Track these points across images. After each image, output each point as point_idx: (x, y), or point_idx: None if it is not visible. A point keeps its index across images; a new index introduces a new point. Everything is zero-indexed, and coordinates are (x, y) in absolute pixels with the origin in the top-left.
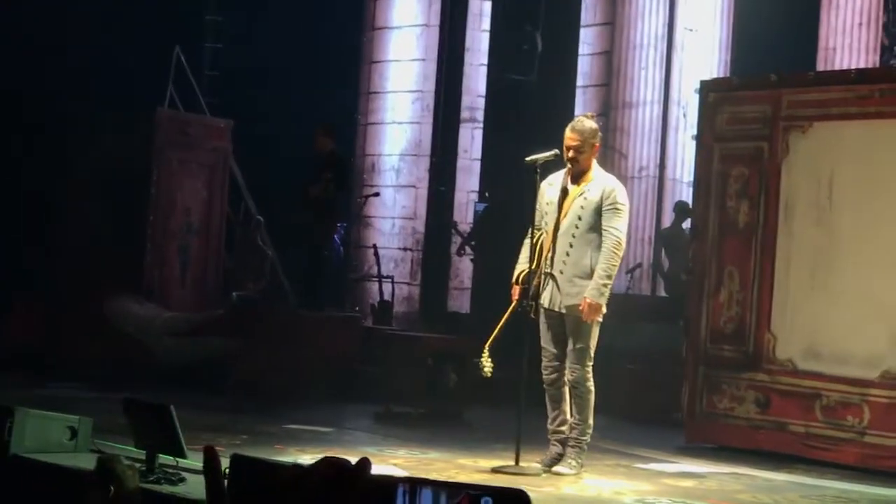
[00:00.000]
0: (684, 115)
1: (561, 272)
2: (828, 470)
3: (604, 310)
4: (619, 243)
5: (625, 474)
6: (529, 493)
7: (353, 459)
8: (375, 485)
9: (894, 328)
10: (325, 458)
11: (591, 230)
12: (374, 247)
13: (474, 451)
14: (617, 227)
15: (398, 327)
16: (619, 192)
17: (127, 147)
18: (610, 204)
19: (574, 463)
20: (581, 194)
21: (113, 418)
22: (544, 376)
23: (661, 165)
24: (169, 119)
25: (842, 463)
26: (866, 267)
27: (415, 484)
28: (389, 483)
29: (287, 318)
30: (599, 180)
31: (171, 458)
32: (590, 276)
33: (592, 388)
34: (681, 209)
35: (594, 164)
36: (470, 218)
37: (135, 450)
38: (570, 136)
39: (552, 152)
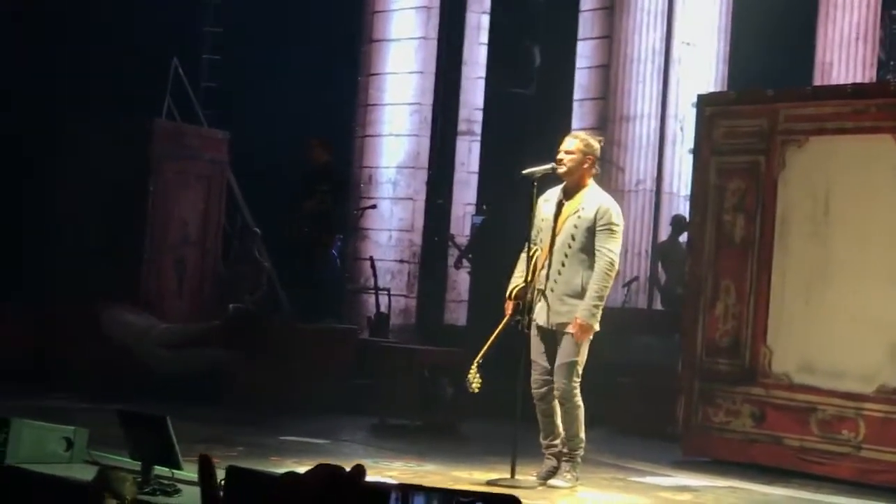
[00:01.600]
0: (681, 129)
1: (552, 290)
2: (823, 484)
3: (597, 328)
4: (612, 264)
5: (620, 488)
6: None
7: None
8: (370, 491)
9: (890, 342)
10: (321, 465)
11: (584, 250)
12: (371, 259)
13: (470, 463)
14: (610, 248)
15: (395, 339)
16: (614, 213)
17: (124, 158)
18: (604, 224)
19: (569, 476)
20: (575, 213)
21: (108, 429)
22: (533, 390)
23: (658, 179)
24: (166, 130)
25: (837, 477)
26: (862, 281)
27: (408, 490)
28: (383, 489)
29: (284, 330)
30: (595, 199)
31: (167, 469)
32: (580, 295)
33: (580, 404)
34: (677, 223)
35: (591, 182)
36: (467, 231)
37: (130, 461)
38: (566, 141)
39: (549, 165)
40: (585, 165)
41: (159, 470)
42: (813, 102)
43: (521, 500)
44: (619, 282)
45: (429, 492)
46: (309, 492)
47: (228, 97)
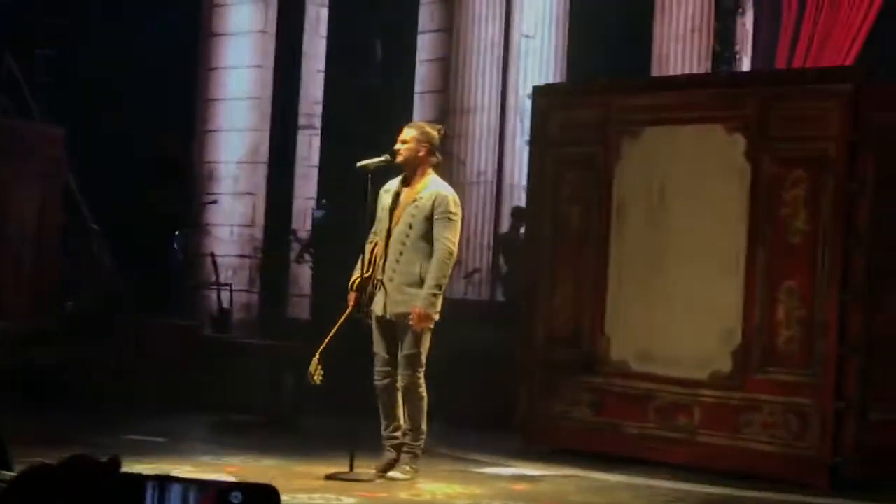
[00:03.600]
0: (521, 121)
1: (391, 280)
2: (661, 470)
3: (436, 317)
4: (451, 253)
5: (460, 479)
6: (364, 499)
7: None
8: (124, 482)
9: (722, 328)
10: (74, 455)
11: (422, 238)
12: (212, 254)
13: (310, 458)
14: (448, 237)
15: (237, 335)
16: (452, 201)
17: None
18: (441, 212)
19: (408, 468)
20: (413, 202)
21: None
22: (376, 382)
23: (499, 170)
24: (0, 127)
25: (675, 463)
26: (696, 269)
27: (164, 481)
28: (138, 480)
29: (125, 326)
30: (432, 188)
31: None
32: (419, 284)
33: (424, 395)
34: (518, 214)
35: (430, 172)
36: (309, 225)
37: None
38: (403, 131)
39: (383, 157)
40: (421, 153)
41: None
42: (646, 93)
43: (361, 493)
44: (460, 273)
45: (185, 482)
46: (61, 483)
47: (65, 93)
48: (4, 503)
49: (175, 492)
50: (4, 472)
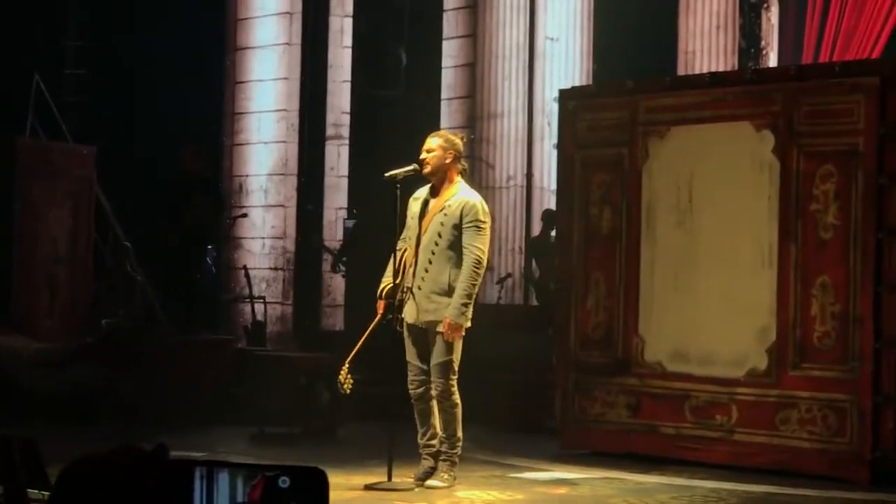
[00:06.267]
0: (549, 124)
1: (419, 288)
2: (699, 470)
3: (467, 324)
4: (480, 262)
5: (498, 485)
6: None
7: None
8: (173, 468)
9: (757, 326)
10: (121, 445)
11: (451, 247)
12: (245, 268)
13: (347, 468)
14: (477, 246)
15: (272, 348)
16: (480, 209)
17: None
18: (470, 221)
19: (446, 476)
20: (441, 210)
21: None
22: (411, 391)
23: (529, 174)
24: (30, 148)
25: (712, 462)
26: (728, 267)
27: (212, 466)
28: (187, 465)
29: (159, 343)
30: (460, 196)
31: (37, 492)
32: (448, 293)
33: (458, 402)
34: (548, 217)
35: (458, 179)
36: (339, 235)
37: None
38: (427, 141)
39: (411, 167)
40: (448, 161)
41: (31, 493)
42: (672, 93)
43: (400, 502)
44: (492, 278)
45: (233, 467)
46: (109, 471)
47: (93, 111)
48: (54, 495)
49: (223, 476)
50: (43, 492)
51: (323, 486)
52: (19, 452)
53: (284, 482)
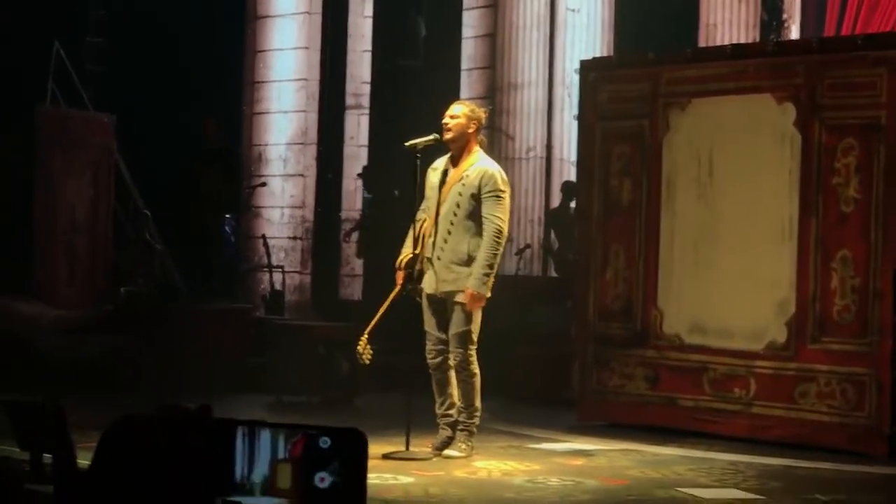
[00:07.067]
0: (569, 96)
1: (439, 258)
2: (716, 442)
3: (487, 296)
4: (500, 231)
5: (515, 455)
6: (421, 477)
7: None
8: (217, 426)
9: (777, 300)
10: (166, 405)
11: (470, 217)
12: (264, 237)
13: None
14: (497, 215)
15: (290, 317)
16: (499, 178)
17: (7, 146)
18: (490, 191)
19: (464, 446)
20: (460, 180)
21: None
22: (429, 360)
23: (549, 146)
24: (50, 116)
25: (730, 435)
26: (748, 240)
27: (254, 426)
28: (230, 424)
29: (178, 311)
30: (479, 166)
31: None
32: (467, 262)
33: (477, 372)
34: (568, 189)
35: (477, 149)
36: (358, 205)
37: (19, 451)
38: (451, 108)
39: (431, 136)
40: (471, 130)
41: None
42: (694, 65)
43: (417, 471)
44: (511, 249)
45: (274, 427)
46: (155, 429)
47: (113, 80)
48: (100, 451)
49: (265, 436)
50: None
51: (363, 448)
52: (53, 416)
53: (325, 442)
